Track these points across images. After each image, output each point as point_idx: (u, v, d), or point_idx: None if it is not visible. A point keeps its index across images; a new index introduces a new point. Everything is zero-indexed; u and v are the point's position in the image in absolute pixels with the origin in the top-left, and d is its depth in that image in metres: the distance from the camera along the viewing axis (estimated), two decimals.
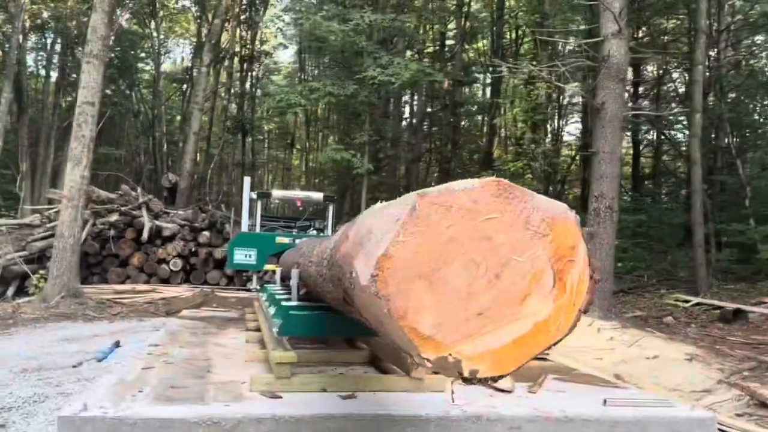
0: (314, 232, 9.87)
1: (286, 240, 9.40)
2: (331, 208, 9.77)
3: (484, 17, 26.24)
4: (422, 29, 16.74)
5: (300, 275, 5.34)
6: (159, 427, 3.44)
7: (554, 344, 2.14)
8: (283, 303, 5.20)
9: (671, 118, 21.37)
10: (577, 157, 22.92)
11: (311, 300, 5.29)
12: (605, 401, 4.21)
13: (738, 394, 5.75)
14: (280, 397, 4.01)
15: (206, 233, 13.31)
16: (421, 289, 2.03)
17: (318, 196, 9.86)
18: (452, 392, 4.00)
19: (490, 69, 27.17)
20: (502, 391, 4.56)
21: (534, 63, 12.21)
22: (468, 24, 20.27)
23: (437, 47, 26.32)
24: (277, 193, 9.88)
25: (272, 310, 5.73)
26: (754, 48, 25.96)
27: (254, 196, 9.54)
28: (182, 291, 12.34)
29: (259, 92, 30.87)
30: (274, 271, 10.11)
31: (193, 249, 13.23)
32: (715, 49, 19.44)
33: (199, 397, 3.93)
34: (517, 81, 12.46)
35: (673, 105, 25.85)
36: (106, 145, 25.70)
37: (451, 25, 23.42)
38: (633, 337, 7.75)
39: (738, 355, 7.39)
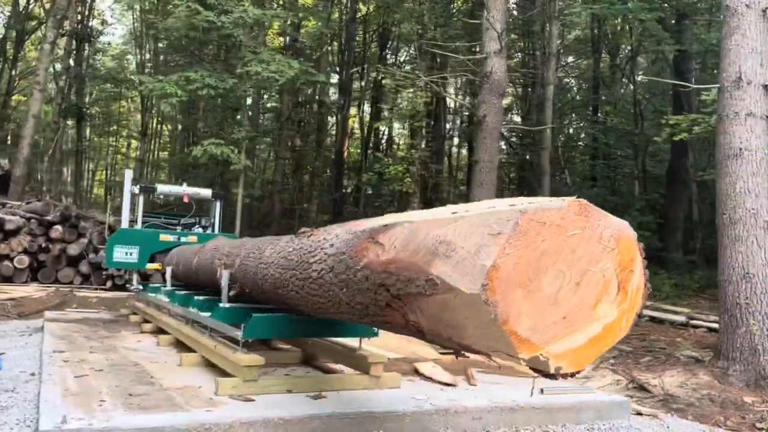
0: (200, 229, 9.51)
1: (170, 237, 9.00)
2: (218, 206, 9.49)
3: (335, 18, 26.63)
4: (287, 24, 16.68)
5: (231, 276, 5.27)
6: None
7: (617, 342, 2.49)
8: (223, 305, 5.11)
9: (505, 128, 23.29)
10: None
11: (244, 301, 5.26)
12: (542, 390, 4.72)
13: (616, 378, 6.64)
14: (253, 400, 4.00)
15: (59, 228, 12.19)
16: (519, 296, 2.27)
17: (206, 192, 9.51)
18: (532, 386, 4.29)
19: (338, 69, 27.76)
20: (448, 385, 4.92)
21: (418, 72, 12.80)
22: (330, 24, 20.61)
23: (285, 44, 26.24)
24: (162, 188, 9.36)
25: (201, 312, 5.58)
26: (566, 69, 29.20)
27: (136, 190, 8.99)
28: (32, 291, 11.22)
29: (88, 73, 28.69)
30: (148, 270, 9.55)
31: (44, 245, 12.07)
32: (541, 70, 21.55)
33: (171, 404, 3.80)
34: (394, 87, 12.92)
35: (507, 117, 28.21)
36: None
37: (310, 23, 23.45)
38: None
39: None
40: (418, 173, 12.65)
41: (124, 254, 8.76)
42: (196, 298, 6.02)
